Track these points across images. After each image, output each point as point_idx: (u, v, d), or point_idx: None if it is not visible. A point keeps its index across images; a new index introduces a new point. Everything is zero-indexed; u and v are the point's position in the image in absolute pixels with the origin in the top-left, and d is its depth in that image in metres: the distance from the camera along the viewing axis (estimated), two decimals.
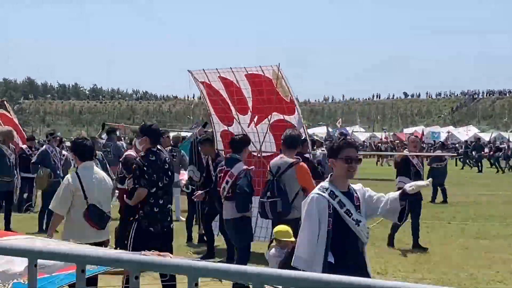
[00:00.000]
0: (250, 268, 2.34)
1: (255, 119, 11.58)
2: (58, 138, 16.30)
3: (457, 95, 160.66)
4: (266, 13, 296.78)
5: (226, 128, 11.95)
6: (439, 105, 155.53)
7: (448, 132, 62.75)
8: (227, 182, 9.07)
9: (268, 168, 8.88)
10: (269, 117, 11.26)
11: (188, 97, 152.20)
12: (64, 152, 16.96)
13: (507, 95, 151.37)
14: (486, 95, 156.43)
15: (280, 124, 11.05)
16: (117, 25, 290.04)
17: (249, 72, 11.19)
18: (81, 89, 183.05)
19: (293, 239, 6.93)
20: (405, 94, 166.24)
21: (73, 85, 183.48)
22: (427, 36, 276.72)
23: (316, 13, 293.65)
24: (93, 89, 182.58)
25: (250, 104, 11.52)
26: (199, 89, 12.21)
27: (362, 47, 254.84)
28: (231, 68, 11.40)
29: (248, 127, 11.66)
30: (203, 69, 11.75)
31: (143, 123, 12.94)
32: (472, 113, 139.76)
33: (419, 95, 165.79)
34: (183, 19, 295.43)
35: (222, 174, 9.22)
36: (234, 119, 11.85)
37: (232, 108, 11.77)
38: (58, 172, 14.65)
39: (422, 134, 65.90)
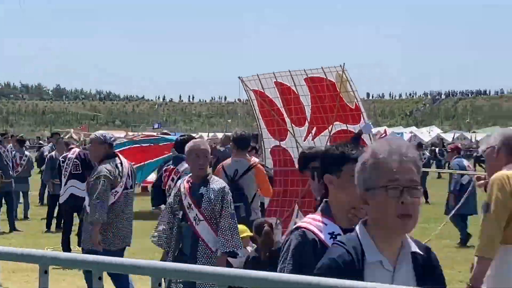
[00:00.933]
0: (244, 271, 2.38)
1: (313, 131, 10.03)
2: (13, 137, 16.43)
3: (419, 96, 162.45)
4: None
5: (278, 144, 10.24)
6: (402, 106, 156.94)
7: (411, 133, 63.14)
8: (172, 180, 9.15)
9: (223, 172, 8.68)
10: (330, 127, 9.68)
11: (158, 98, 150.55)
12: (26, 152, 16.95)
13: (469, 96, 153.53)
14: (449, 96, 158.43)
15: (343, 135, 9.63)
16: (84, 23, 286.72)
17: (309, 76, 9.72)
18: (44, 89, 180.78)
19: (250, 234, 7.36)
20: (368, 95, 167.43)
21: (36, 85, 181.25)
22: (391, 38, 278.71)
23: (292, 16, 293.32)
24: (57, 89, 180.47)
25: (308, 114, 9.99)
26: (249, 98, 10.64)
27: (325, 50, 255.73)
28: (289, 71, 9.88)
29: (304, 140, 10.11)
30: (257, 74, 10.23)
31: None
32: (434, 114, 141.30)
33: (383, 95, 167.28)
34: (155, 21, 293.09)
35: (168, 173, 9.32)
36: (288, 132, 10.27)
37: (287, 119, 10.26)
38: (11, 173, 14.49)
39: (385, 134, 66.37)
